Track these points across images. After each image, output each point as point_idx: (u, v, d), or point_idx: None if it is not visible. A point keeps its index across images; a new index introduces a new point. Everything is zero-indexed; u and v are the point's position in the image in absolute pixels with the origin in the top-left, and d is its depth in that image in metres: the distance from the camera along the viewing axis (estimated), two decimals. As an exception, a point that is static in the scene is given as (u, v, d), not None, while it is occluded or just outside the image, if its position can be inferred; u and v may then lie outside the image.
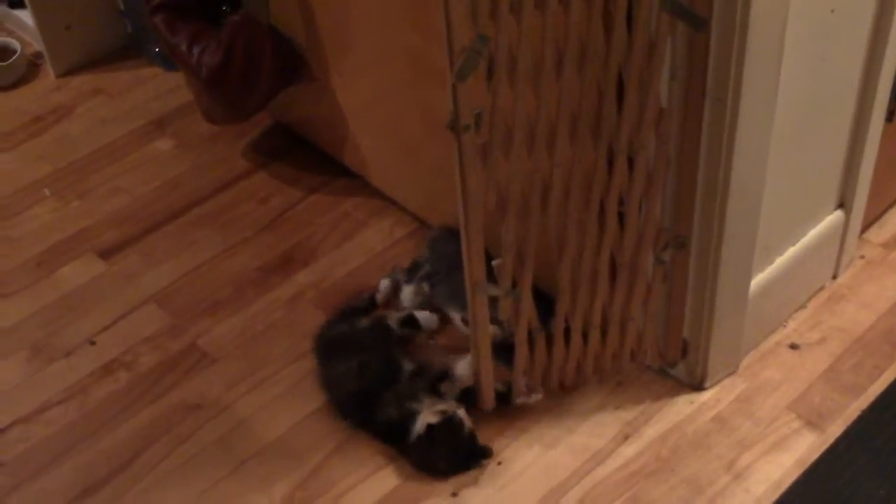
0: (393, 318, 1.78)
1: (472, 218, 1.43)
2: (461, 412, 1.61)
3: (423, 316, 1.79)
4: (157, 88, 2.49)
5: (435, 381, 1.65)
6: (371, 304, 1.86)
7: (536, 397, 1.67)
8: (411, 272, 1.88)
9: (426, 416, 1.61)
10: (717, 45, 1.32)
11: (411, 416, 1.62)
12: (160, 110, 2.43)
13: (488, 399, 1.66)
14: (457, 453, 1.62)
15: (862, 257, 1.91)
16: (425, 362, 1.71)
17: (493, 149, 1.37)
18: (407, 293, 1.85)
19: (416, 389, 1.64)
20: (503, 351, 1.63)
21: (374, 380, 1.67)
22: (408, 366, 1.69)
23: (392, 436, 1.65)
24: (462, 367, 1.65)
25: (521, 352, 1.60)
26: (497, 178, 1.39)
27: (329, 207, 2.12)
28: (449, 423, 1.60)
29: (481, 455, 1.62)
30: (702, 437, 1.66)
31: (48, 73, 2.57)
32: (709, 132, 1.40)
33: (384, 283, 1.89)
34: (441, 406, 1.62)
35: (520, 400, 1.66)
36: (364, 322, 1.79)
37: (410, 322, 1.78)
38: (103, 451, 1.71)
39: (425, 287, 1.83)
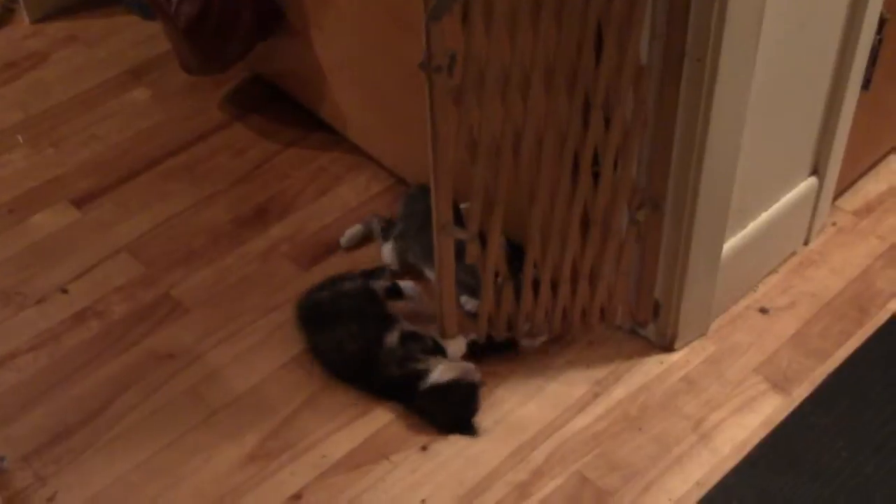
0: (378, 286, 1.77)
1: (440, 159, 1.43)
2: (478, 377, 1.65)
3: (406, 286, 1.78)
4: (134, 37, 2.46)
5: (430, 345, 1.67)
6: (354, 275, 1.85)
7: (541, 339, 1.71)
8: (387, 230, 1.88)
9: (447, 369, 1.63)
10: (698, 4, 1.32)
11: (416, 374, 1.63)
12: (136, 59, 2.40)
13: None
14: (457, 415, 1.64)
15: (834, 224, 1.93)
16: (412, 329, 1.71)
17: (466, 93, 1.37)
18: (386, 250, 1.86)
19: (414, 351, 1.65)
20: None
21: (372, 341, 1.67)
22: (404, 326, 1.69)
23: (393, 388, 1.66)
24: (454, 348, 1.68)
25: (487, 296, 1.61)
26: (469, 122, 1.40)
27: (305, 161, 2.11)
28: (469, 386, 1.63)
29: (468, 427, 1.64)
30: (670, 397, 1.67)
31: (23, 18, 2.54)
32: (687, 92, 1.41)
33: (356, 228, 1.90)
34: (457, 367, 1.65)
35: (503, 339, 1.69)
36: (348, 286, 1.78)
37: (395, 292, 1.78)
38: (74, 399, 1.71)
39: (400, 245, 1.84)
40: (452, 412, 1.64)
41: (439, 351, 1.67)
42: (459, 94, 1.38)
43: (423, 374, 1.63)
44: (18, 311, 1.85)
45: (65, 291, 1.88)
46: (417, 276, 1.83)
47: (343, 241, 1.91)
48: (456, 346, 1.68)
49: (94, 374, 1.75)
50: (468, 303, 1.72)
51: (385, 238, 1.86)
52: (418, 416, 1.65)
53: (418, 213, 1.79)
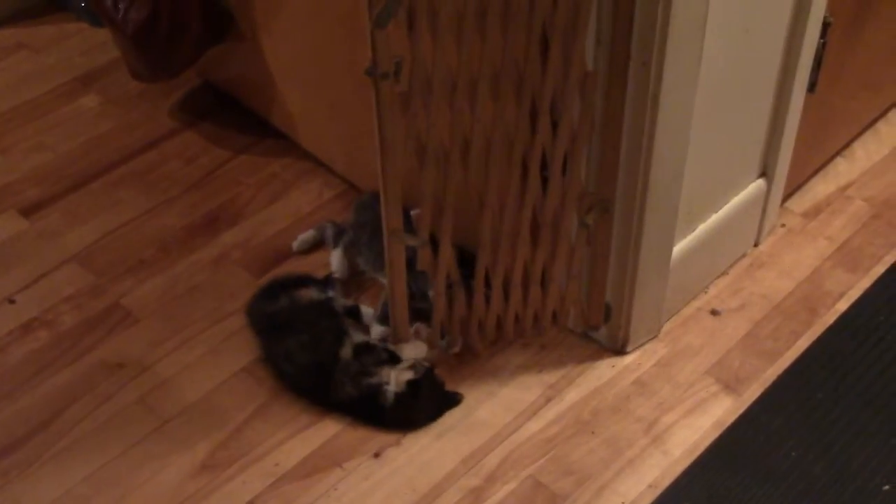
0: (338, 303, 1.76)
1: (388, 165, 1.43)
2: (428, 365, 1.65)
3: (367, 312, 1.76)
4: (83, 44, 2.44)
5: (384, 357, 1.66)
6: (305, 280, 1.83)
7: (455, 349, 1.71)
8: (337, 237, 1.87)
9: (400, 374, 1.62)
10: (642, 8, 1.33)
11: (373, 390, 1.62)
12: (85, 67, 2.38)
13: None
14: (434, 403, 1.65)
15: (783, 226, 1.95)
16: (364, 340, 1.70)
17: (413, 99, 1.37)
18: (335, 258, 1.85)
19: (367, 365, 1.65)
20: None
21: (328, 353, 1.66)
22: (356, 338, 1.69)
23: (356, 411, 1.65)
24: (409, 350, 1.68)
25: (440, 303, 1.61)
26: (416, 128, 1.40)
27: (257, 168, 2.10)
28: (427, 375, 1.63)
29: (453, 401, 1.65)
30: (622, 400, 1.68)
31: (-31, 26, 2.51)
32: (633, 96, 1.41)
33: (309, 234, 1.90)
34: (405, 366, 1.64)
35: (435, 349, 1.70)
36: (307, 296, 1.76)
37: (354, 313, 1.76)
38: (22, 411, 1.68)
39: (350, 252, 1.84)
40: (427, 405, 1.64)
41: (394, 360, 1.66)
42: (406, 101, 1.38)
43: (379, 388, 1.62)
44: (-35, 323, 1.83)
45: (12, 302, 1.86)
46: (363, 285, 1.84)
47: (295, 244, 1.91)
48: (412, 350, 1.68)
49: (43, 384, 1.72)
50: (422, 330, 1.72)
51: (335, 245, 1.85)
52: (395, 429, 1.64)
53: (369, 222, 1.79)
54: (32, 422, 1.67)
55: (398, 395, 1.62)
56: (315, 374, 1.66)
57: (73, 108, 2.27)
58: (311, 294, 1.76)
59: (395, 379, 1.63)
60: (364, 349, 1.66)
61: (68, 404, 1.69)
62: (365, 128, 1.53)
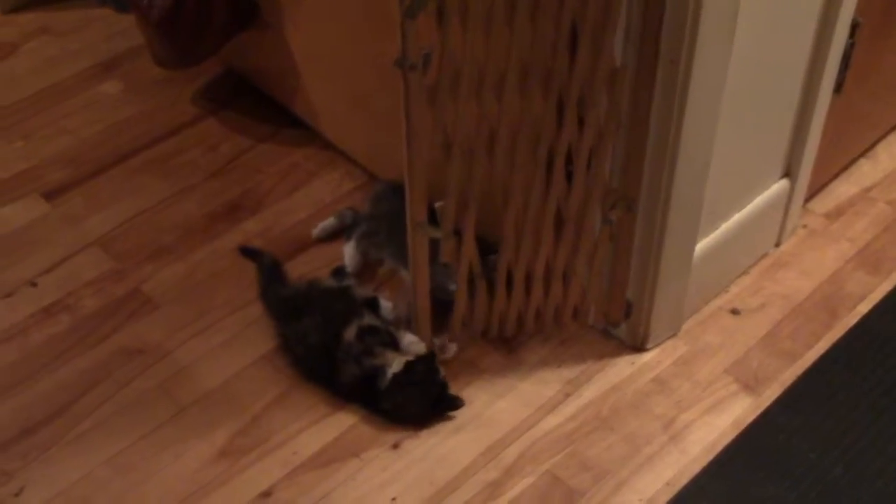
0: (357, 292, 1.76)
1: (415, 157, 1.43)
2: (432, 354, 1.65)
3: (385, 306, 1.75)
4: (107, 30, 2.44)
5: (388, 338, 1.66)
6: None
7: (452, 349, 1.70)
8: (350, 228, 1.86)
9: (401, 358, 1.62)
10: (672, 6, 1.32)
11: (375, 370, 1.62)
12: (109, 52, 2.38)
13: (426, 339, 1.68)
14: (429, 396, 1.63)
15: (805, 226, 1.94)
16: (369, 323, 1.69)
17: (441, 92, 1.37)
18: (347, 251, 1.84)
19: (372, 345, 1.64)
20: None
21: (331, 337, 1.66)
22: (364, 320, 1.68)
23: (357, 392, 1.65)
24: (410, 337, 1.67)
25: (461, 296, 1.61)
26: (443, 120, 1.39)
27: (278, 157, 2.10)
28: (425, 362, 1.62)
29: (452, 404, 1.64)
30: (641, 397, 1.68)
31: (-7, 9, 2.52)
32: (661, 94, 1.41)
33: (329, 221, 1.90)
34: (409, 350, 1.64)
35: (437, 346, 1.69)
36: (327, 285, 1.77)
37: (372, 305, 1.74)
38: (42, 394, 1.69)
39: (363, 245, 1.83)
40: (421, 394, 1.63)
41: (396, 345, 1.66)
42: (434, 93, 1.38)
43: (381, 370, 1.62)
44: (-14, 305, 1.84)
45: (34, 285, 1.87)
46: (377, 276, 1.84)
47: (315, 231, 1.91)
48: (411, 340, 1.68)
49: (63, 368, 1.73)
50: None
51: (348, 237, 1.85)
52: (389, 419, 1.64)
53: (386, 214, 1.78)
54: (53, 405, 1.67)
55: (395, 376, 1.61)
56: (321, 355, 1.66)
57: (95, 94, 2.28)
58: (330, 281, 1.77)
59: (395, 362, 1.62)
60: (369, 331, 1.66)
61: (88, 388, 1.70)
62: (388, 119, 1.53)
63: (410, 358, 1.63)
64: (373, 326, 1.67)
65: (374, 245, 1.82)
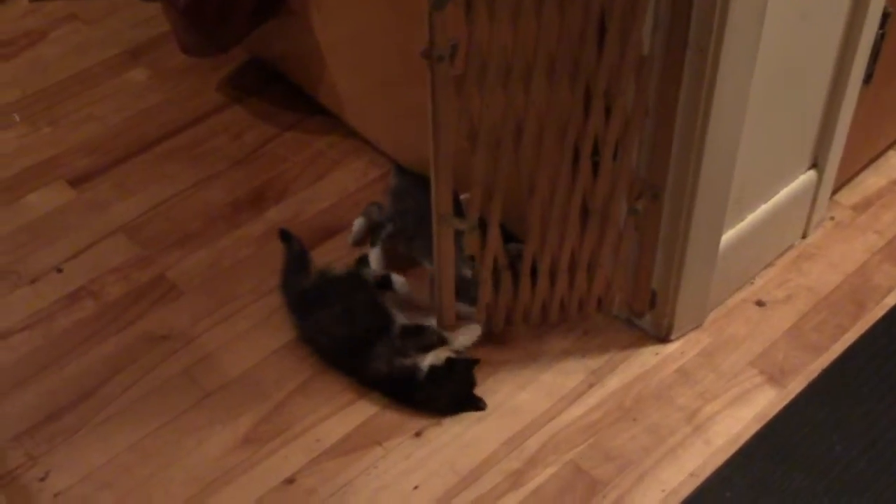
0: (368, 275, 1.76)
1: (441, 148, 1.42)
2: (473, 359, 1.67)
3: (398, 280, 1.75)
4: (134, 17, 2.45)
5: (428, 344, 1.65)
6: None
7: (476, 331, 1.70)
8: (375, 232, 1.84)
9: (441, 352, 1.63)
10: (701, -6, 1.31)
11: (404, 371, 1.63)
12: (135, 40, 2.39)
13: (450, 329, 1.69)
14: (460, 394, 1.64)
15: (832, 218, 1.93)
16: (416, 323, 1.70)
17: (468, 82, 1.36)
18: (374, 257, 1.82)
19: (408, 347, 1.64)
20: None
21: (366, 329, 1.66)
22: (399, 319, 1.68)
23: (383, 388, 1.66)
24: (463, 340, 1.68)
25: (486, 287, 1.61)
26: (469, 111, 1.39)
27: (303, 145, 2.11)
28: (465, 363, 1.64)
29: (475, 405, 1.64)
30: (665, 388, 1.67)
31: (22, -4, 2.53)
32: (688, 83, 1.40)
33: (358, 223, 1.88)
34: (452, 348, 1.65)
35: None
36: (338, 272, 1.77)
37: (385, 283, 1.75)
38: (67, 379, 1.70)
39: (389, 245, 1.82)
40: (454, 390, 1.64)
41: (442, 343, 1.66)
42: (461, 84, 1.37)
43: (412, 370, 1.62)
44: (13, 290, 1.85)
45: (60, 271, 1.88)
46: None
47: (351, 239, 1.89)
48: (467, 336, 1.68)
49: (88, 354, 1.74)
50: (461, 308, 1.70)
51: (373, 243, 1.83)
52: (418, 408, 1.64)
53: (411, 209, 1.77)
54: (78, 390, 1.68)
55: (433, 368, 1.62)
56: (351, 347, 1.66)
57: (122, 81, 2.29)
58: (341, 269, 1.78)
59: (436, 354, 1.63)
60: (413, 331, 1.66)
61: (113, 374, 1.71)
62: (413, 108, 1.53)
63: (452, 355, 1.63)
64: (418, 326, 1.67)
65: (402, 243, 1.81)
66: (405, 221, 1.80)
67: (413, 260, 1.81)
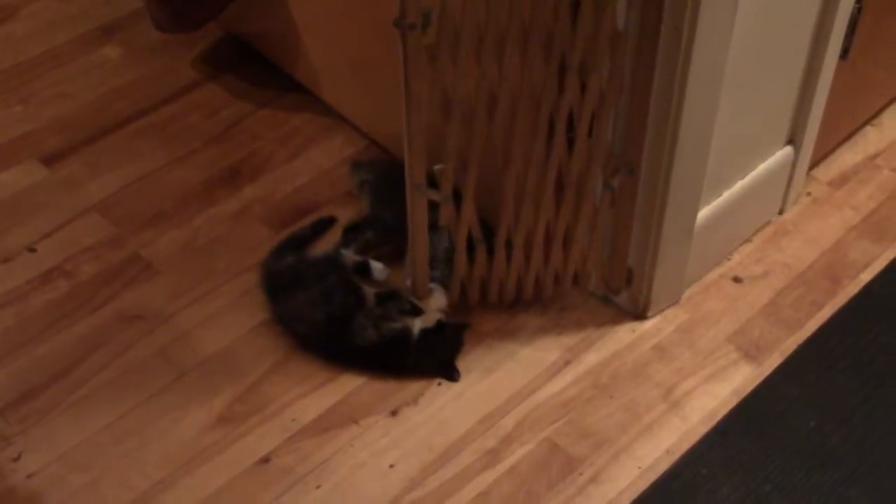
0: (346, 259, 1.75)
1: (413, 119, 1.41)
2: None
3: (376, 267, 1.73)
4: (106, -7, 2.43)
5: (405, 309, 1.65)
6: (314, 233, 1.84)
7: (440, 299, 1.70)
8: (350, 232, 1.79)
9: (430, 314, 1.64)
10: (675, -31, 1.30)
11: (395, 333, 1.62)
12: (108, 16, 2.36)
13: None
14: (445, 358, 1.65)
15: (809, 194, 1.93)
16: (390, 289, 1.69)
17: (440, 52, 1.35)
18: (377, 270, 1.75)
19: (391, 311, 1.64)
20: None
21: (341, 306, 1.65)
22: (370, 290, 1.67)
23: (372, 357, 1.65)
24: (433, 303, 1.67)
25: (460, 260, 1.60)
26: (442, 81, 1.38)
27: (279, 122, 2.09)
28: (456, 326, 1.65)
29: (451, 374, 1.64)
30: (641, 365, 1.67)
31: (-8, -28, 2.49)
32: (663, 59, 1.39)
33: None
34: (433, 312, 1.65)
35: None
36: (316, 255, 1.76)
37: (363, 269, 1.73)
38: (40, 359, 1.69)
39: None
40: (443, 353, 1.64)
41: (416, 312, 1.65)
42: (434, 53, 1.36)
43: (405, 332, 1.62)
44: (-15, 270, 1.83)
45: (32, 250, 1.86)
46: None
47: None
48: (435, 301, 1.67)
49: (62, 334, 1.73)
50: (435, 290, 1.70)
51: (346, 245, 1.77)
52: (405, 373, 1.64)
53: (391, 214, 1.74)
54: (52, 370, 1.67)
55: (424, 331, 1.62)
56: (331, 326, 1.65)
57: (94, 58, 2.26)
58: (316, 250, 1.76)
59: (422, 320, 1.63)
60: (389, 297, 1.65)
61: (87, 354, 1.69)
62: (388, 84, 1.52)
63: (442, 317, 1.64)
64: (393, 292, 1.67)
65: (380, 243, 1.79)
66: (382, 213, 1.79)
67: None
